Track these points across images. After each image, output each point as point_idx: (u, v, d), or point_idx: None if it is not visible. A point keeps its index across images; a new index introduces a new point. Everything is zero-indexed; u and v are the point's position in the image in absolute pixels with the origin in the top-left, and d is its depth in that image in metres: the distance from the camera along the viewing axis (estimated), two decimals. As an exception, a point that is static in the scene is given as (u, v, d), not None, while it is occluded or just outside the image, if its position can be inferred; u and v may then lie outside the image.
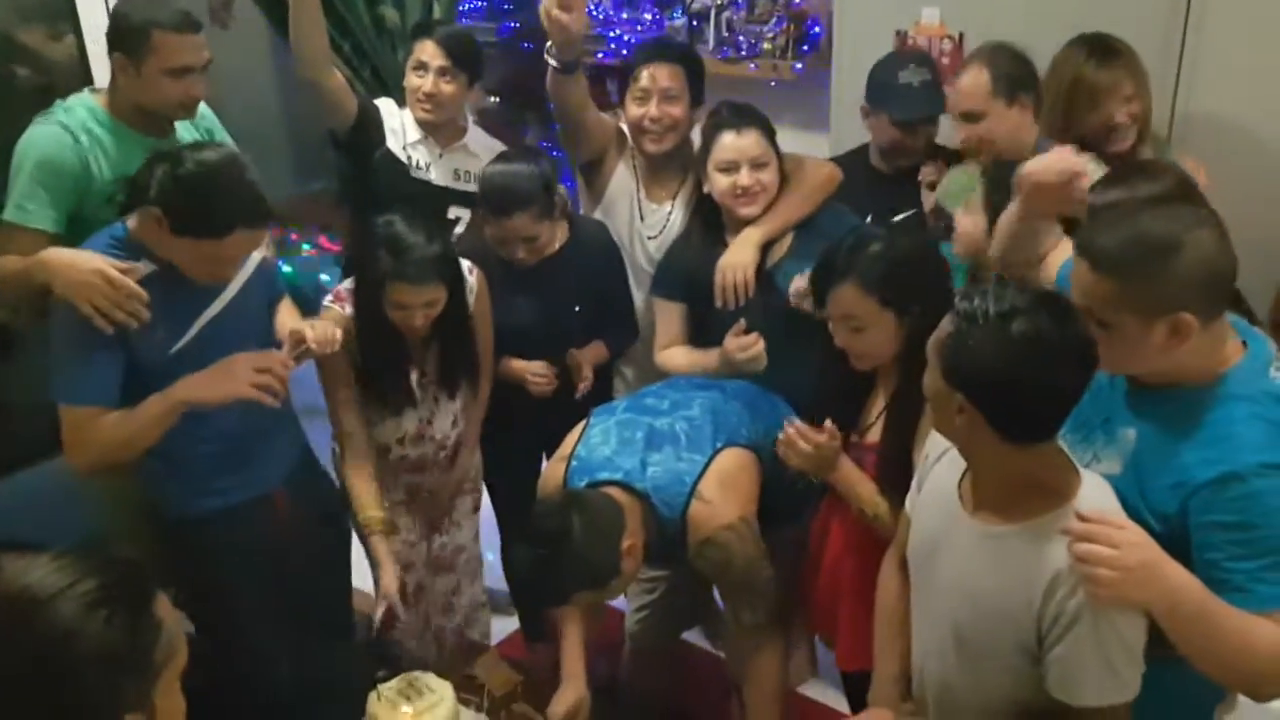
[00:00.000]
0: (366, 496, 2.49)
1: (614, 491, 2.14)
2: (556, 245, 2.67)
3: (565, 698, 2.23)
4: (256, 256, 2.31)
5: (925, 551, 1.78)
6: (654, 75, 2.68)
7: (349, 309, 2.46)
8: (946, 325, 1.57)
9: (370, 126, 2.84)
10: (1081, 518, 1.48)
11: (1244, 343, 1.61)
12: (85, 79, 2.85)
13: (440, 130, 2.87)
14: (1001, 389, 1.51)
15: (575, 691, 2.24)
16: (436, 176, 2.88)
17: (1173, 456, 1.55)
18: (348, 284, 2.50)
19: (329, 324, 2.31)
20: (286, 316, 2.41)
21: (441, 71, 2.77)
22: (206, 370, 2.09)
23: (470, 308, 2.54)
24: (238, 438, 2.28)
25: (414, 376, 2.52)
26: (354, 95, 2.85)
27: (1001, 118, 2.46)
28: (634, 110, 2.72)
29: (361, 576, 2.63)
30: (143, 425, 2.08)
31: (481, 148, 2.93)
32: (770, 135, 2.53)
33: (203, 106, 2.57)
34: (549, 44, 2.63)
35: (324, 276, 3.96)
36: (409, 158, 2.86)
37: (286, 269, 4.05)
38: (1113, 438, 1.66)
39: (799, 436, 2.07)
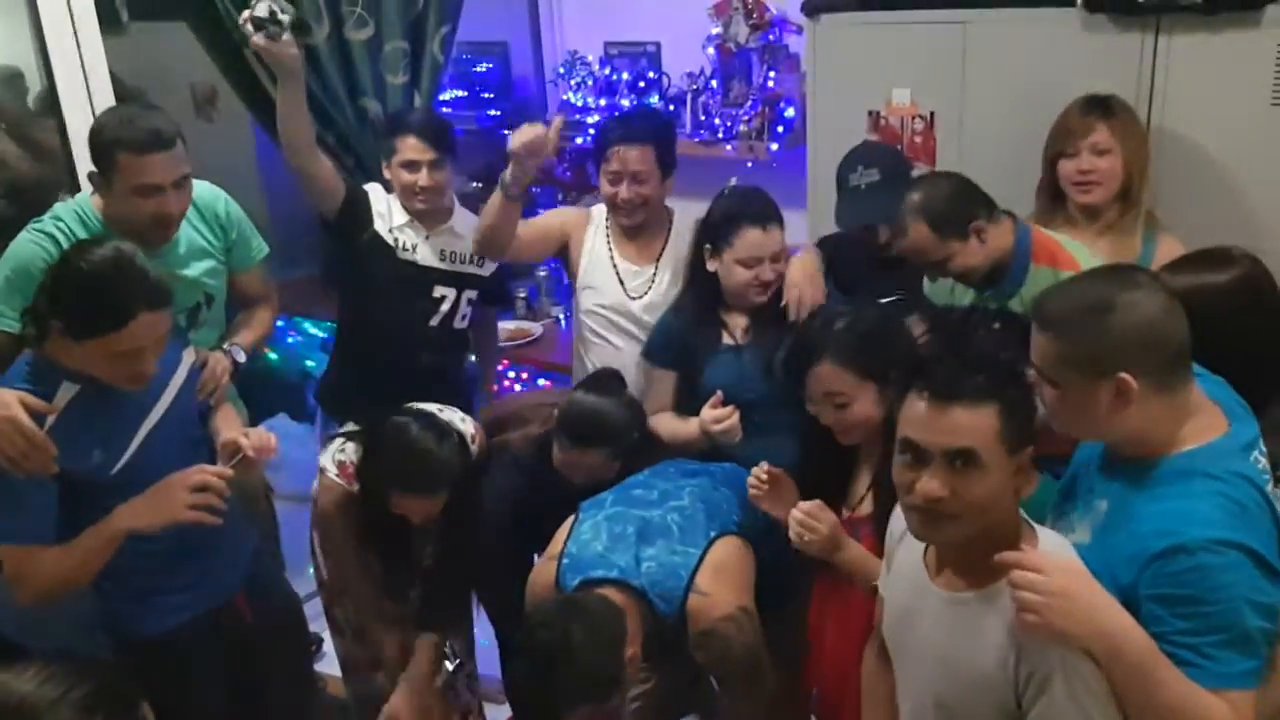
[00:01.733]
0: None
1: (610, 592, 2.11)
2: None
3: None
4: (188, 361, 2.29)
5: (899, 626, 1.78)
6: (623, 158, 2.76)
7: (355, 486, 2.45)
8: (998, 412, 1.54)
9: (357, 211, 2.91)
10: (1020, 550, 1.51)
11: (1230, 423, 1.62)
12: (71, 182, 2.88)
13: (430, 215, 2.95)
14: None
15: None
16: (423, 257, 2.95)
17: (1133, 527, 1.56)
18: (352, 455, 2.47)
19: (263, 431, 2.26)
20: (224, 424, 2.35)
21: (433, 165, 2.86)
22: (142, 497, 2.04)
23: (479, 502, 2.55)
24: (186, 551, 2.21)
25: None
26: (341, 181, 2.91)
27: (968, 252, 2.34)
28: (608, 188, 2.82)
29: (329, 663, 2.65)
30: (83, 559, 2.03)
31: (467, 228, 3.00)
32: (782, 221, 2.58)
33: (233, 208, 2.61)
34: (507, 171, 2.65)
35: (309, 363, 3.98)
36: (396, 240, 2.93)
37: (272, 356, 4.07)
38: (1089, 509, 1.68)
39: (809, 516, 2.06)
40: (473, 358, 3.34)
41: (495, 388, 3.39)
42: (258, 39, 2.53)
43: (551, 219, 2.99)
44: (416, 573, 2.60)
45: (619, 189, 2.78)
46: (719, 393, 2.49)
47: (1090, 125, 2.56)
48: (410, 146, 2.85)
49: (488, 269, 3.05)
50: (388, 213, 2.94)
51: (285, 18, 2.52)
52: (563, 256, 2.98)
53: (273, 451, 2.22)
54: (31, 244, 2.35)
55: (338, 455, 2.49)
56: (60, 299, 1.97)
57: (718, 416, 2.46)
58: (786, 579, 2.28)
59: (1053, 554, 1.55)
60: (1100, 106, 2.58)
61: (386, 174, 2.93)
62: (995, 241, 2.34)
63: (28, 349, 2.09)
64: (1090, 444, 1.76)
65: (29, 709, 1.21)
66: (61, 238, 2.35)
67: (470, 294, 3.03)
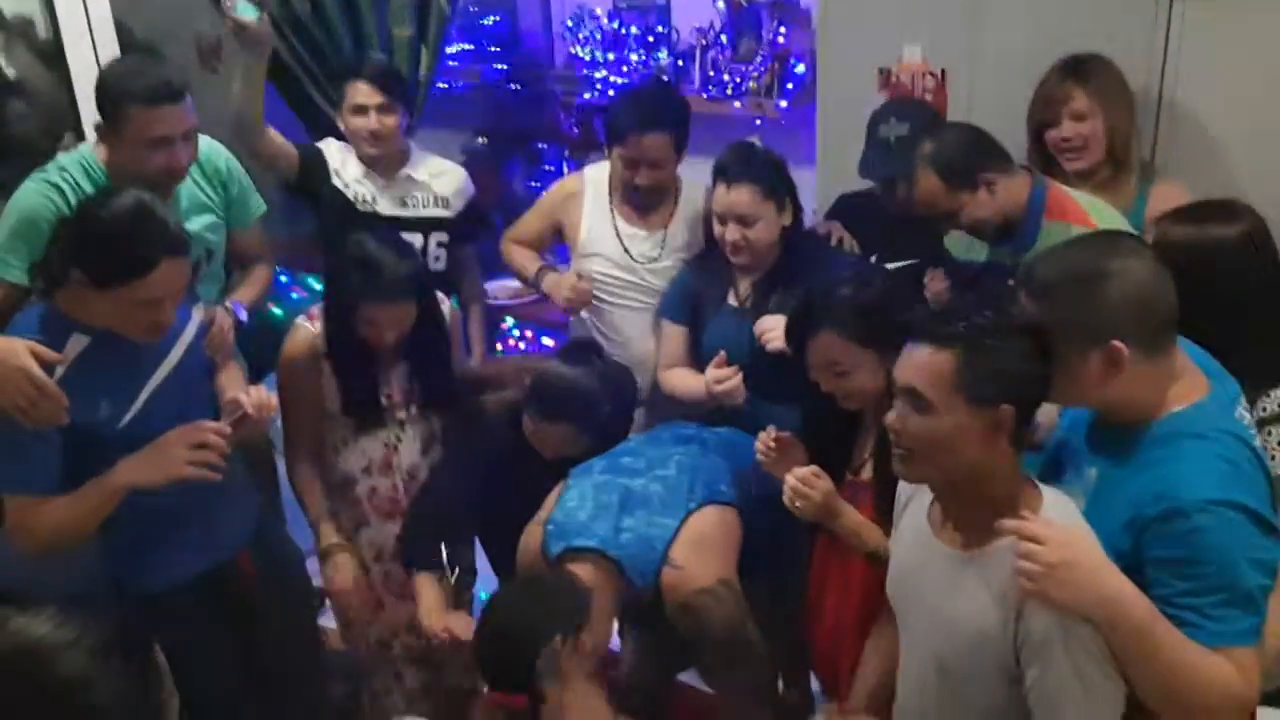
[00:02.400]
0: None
1: (586, 565, 2.11)
2: None
3: None
4: (197, 318, 2.29)
5: (903, 582, 1.79)
6: (642, 147, 2.70)
7: (318, 326, 2.49)
8: (956, 359, 1.55)
9: (314, 171, 2.95)
10: (1023, 518, 1.51)
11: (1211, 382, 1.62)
12: (76, 126, 2.87)
13: (384, 162, 2.96)
14: (1035, 381, 1.58)
15: None
16: (384, 207, 2.98)
17: (1126, 493, 1.56)
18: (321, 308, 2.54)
19: (263, 390, 2.26)
20: (228, 382, 2.36)
21: (380, 108, 2.87)
22: (143, 452, 2.04)
23: (446, 327, 2.59)
24: (191, 508, 2.21)
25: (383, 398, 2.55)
26: (291, 146, 2.94)
27: (977, 204, 2.31)
28: (622, 171, 2.77)
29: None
30: (84, 511, 2.04)
31: (425, 172, 3.03)
32: (770, 184, 2.52)
33: (233, 164, 2.62)
34: (545, 281, 2.83)
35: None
36: (354, 194, 2.96)
37: (277, 311, 4.06)
38: (1079, 476, 1.68)
39: (803, 483, 2.05)
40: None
41: (483, 338, 3.26)
42: (232, 23, 2.58)
43: (535, 224, 2.99)
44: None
45: (636, 173, 2.74)
46: (722, 353, 2.48)
47: (1068, 92, 2.54)
48: (359, 91, 2.87)
49: (453, 209, 3.04)
50: (343, 167, 2.97)
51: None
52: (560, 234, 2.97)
53: (273, 409, 2.24)
54: (37, 194, 2.34)
55: (310, 308, 2.58)
56: (83, 247, 1.98)
57: (719, 377, 2.45)
58: (787, 546, 2.28)
59: (1055, 518, 1.55)
60: (1075, 71, 2.54)
61: (340, 123, 2.94)
62: (1006, 195, 2.31)
63: (34, 301, 2.08)
64: (1074, 410, 1.75)
65: (46, 650, 1.23)
66: (67, 188, 2.34)
67: (439, 236, 3.03)
